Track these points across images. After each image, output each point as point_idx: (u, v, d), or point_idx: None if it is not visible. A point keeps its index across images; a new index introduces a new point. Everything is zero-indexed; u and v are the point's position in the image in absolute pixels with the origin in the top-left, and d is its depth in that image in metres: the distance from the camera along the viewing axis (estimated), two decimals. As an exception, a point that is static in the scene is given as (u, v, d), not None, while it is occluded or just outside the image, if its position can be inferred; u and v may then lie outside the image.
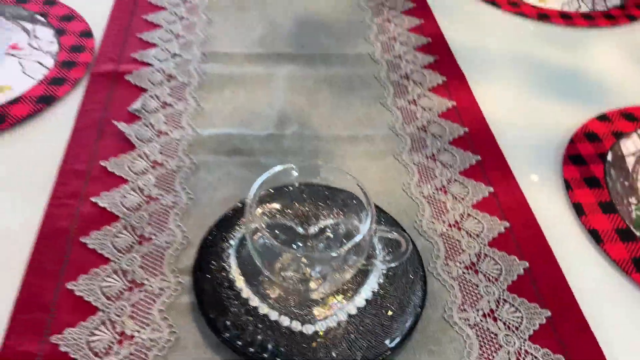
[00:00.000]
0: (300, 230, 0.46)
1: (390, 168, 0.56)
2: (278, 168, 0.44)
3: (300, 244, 0.45)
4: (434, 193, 0.54)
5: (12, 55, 0.64)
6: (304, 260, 0.43)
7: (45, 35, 0.67)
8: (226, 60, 0.68)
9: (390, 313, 0.42)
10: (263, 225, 0.42)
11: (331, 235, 0.46)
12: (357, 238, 0.39)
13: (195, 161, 0.55)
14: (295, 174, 0.45)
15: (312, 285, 0.42)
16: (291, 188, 0.47)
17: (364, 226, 0.40)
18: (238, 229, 0.47)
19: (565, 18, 0.82)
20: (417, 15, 0.79)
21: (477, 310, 0.45)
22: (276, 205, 0.47)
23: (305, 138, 0.59)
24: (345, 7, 0.80)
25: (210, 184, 0.53)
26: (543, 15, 0.82)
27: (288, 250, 0.43)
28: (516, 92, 0.68)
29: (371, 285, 0.44)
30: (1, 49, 0.63)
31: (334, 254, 0.41)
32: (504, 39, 0.77)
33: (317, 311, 0.42)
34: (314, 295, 0.43)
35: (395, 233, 0.43)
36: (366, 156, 0.57)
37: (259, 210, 0.45)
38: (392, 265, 0.44)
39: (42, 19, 0.70)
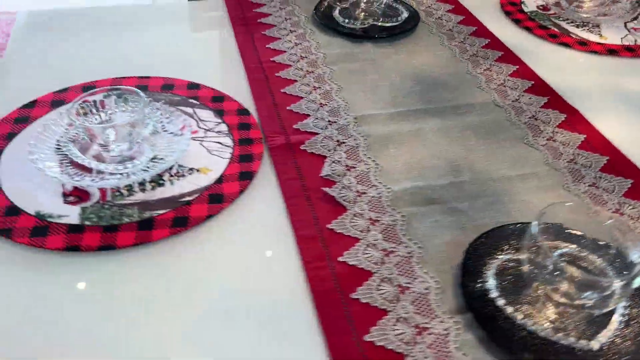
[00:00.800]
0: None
1: (566, 199, 0.64)
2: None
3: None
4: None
5: (193, 139, 0.69)
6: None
7: (209, 117, 0.73)
8: (374, 121, 0.75)
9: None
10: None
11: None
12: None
13: (404, 214, 0.61)
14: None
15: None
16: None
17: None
18: (485, 268, 0.54)
19: (630, 51, 0.94)
20: (509, 62, 0.89)
21: None
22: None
23: (481, 181, 0.66)
24: (446, 61, 0.89)
25: (426, 232, 0.59)
26: (611, 51, 0.94)
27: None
28: (632, 119, 0.78)
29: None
30: (185, 135, 0.68)
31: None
32: (592, 75, 0.88)
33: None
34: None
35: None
36: (540, 191, 0.65)
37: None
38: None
39: (196, 102, 0.76)
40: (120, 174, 0.61)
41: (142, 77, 0.79)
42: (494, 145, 0.72)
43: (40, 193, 0.60)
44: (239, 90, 0.79)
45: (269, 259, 0.56)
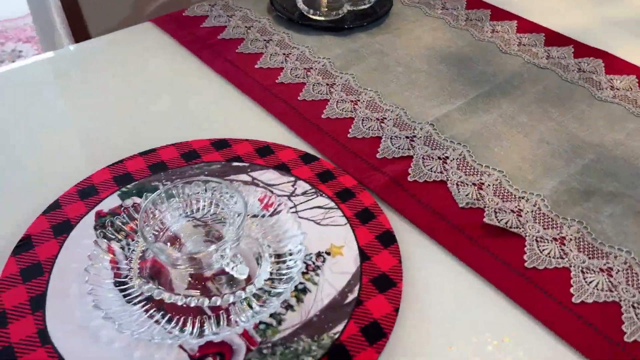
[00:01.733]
0: None
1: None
2: None
3: None
4: None
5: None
6: None
7: (275, 178, 0.56)
8: (450, 122, 0.64)
9: None
10: None
11: None
12: None
13: (579, 219, 0.53)
14: None
15: None
16: None
17: None
18: None
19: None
20: (503, 18, 0.84)
21: None
22: None
23: (605, 154, 0.60)
24: (449, 33, 0.80)
25: (616, 230, 0.52)
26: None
27: None
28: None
29: None
30: (283, 212, 0.51)
31: None
32: (587, 7, 0.87)
33: None
34: None
35: None
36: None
37: None
38: None
39: (243, 163, 0.58)
40: (249, 304, 0.43)
41: (145, 153, 0.58)
42: (576, 112, 0.66)
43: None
44: (269, 131, 0.62)
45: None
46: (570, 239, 0.50)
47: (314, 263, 0.47)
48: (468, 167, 0.58)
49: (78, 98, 0.67)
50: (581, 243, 0.50)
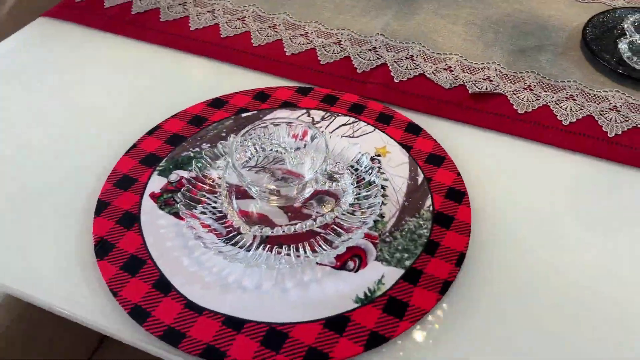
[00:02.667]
0: None
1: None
2: None
3: None
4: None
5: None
6: None
7: (318, 115, 0.60)
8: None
9: None
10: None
11: None
12: None
13: None
14: None
15: None
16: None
17: None
18: None
19: None
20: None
21: None
22: None
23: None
24: None
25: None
26: None
27: None
28: None
29: None
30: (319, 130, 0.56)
31: None
32: None
33: None
34: None
35: None
36: None
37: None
38: None
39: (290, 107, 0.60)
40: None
41: (151, 132, 0.58)
42: (476, -5, 0.79)
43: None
44: (244, 81, 0.65)
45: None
46: (534, 85, 0.63)
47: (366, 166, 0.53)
48: (432, 58, 0.67)
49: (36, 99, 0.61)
50: (542, 85, 0.63)
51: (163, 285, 0.44)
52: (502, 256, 0.47)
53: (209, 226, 0.48)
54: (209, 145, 0.56)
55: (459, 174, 0.53)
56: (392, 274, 0.45)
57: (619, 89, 0.62)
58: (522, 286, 0.45)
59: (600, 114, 0.59)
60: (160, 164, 0.54)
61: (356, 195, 0.49)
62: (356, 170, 0.52)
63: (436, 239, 0.47)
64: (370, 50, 0.68)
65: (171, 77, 0.66)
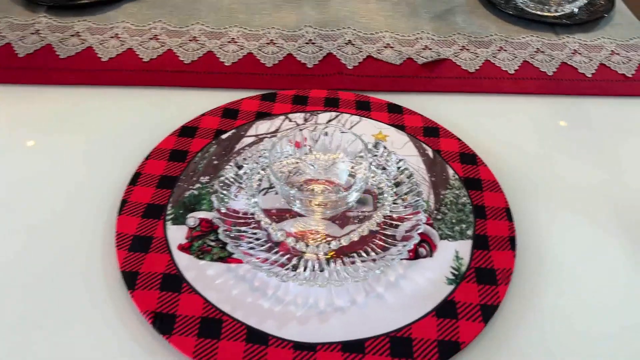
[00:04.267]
0: None
1: None
2: None
3: None
4: None
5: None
6: None
7: (296, 117, 0.57)
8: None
9: None
10: None
11: None
12: None
13: None
14: None
15: None
16: None
17: None
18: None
19: None
20: None
21: None
22: None
23: None
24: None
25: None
26: None
27: None
28: None
29: None
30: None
31: None
32: None
33: None
34: None
35: None
36: None
37: None
38: None
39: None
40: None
41: (133, 183, 0.50)
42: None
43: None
44: (190, 104, 0.60)
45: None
46: (467, 44, 0.68)
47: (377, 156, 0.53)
48: (368, 39, 0.68)
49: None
50: (474, 43, 0.69)
51: (258, 337, 0.39)
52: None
53: (266, 260, 0.43)
54: (208, 177, 0.50)
55: (460, 139, 0.55)
56: (463, 247, 0.46)
57: (532, 34, 0.70)
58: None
59: (532, 58, 0.66)
60: (168, 213, 0.47)
61: (391, 184, 0.49)
62: (373, 158, 0.51)
63: (479, 203, 0.49)
64: (307, 43, 0.67)
65: (107, 118, 0.57)
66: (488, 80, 0.63)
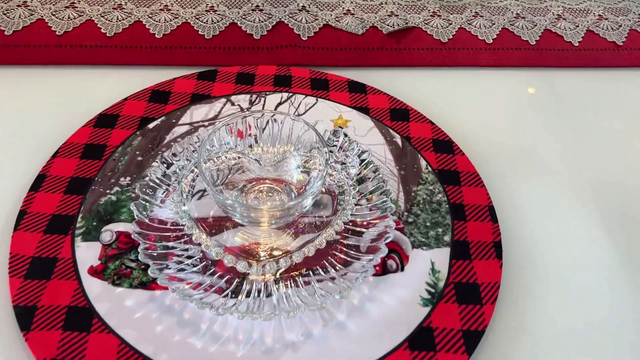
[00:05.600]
0: None
1: None
2: None
3: None
4: None
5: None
6: None
7: (238, 100, 0.48)
8: None
9: None
10: None
11: None
12: None
13: None
14: None
15: None
16: None
17: None
18: None
19: None
20: None
21: None
22: None
23: None
24: None
25: None
26: None
27: None
28: None
29: None
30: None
31: None
32: None
33: None
34: None
35: None
36: None
37: None
38: None
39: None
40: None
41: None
42: None
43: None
44: (116, 86, 0.50)
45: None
46: (438, 10, 0.60)
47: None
48: (325, 5, 0.59)
49: None
50: (446, 8, 0.60)
51: None
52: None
53: (200, 284, 0.35)
54: (129, 179, 0.41)
55: (433, 123, 0.47)
56: (440, 257, 0.38)
57: (510, -2, 0.62)
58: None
59: (512, 25, 0.58)
60: (78, 226, 0.38)
61: (353, 182, 0.40)
62: (331, 152, 0.42)
63: (457, 200, 0.41)
64: (254, 10, 0.57)
65: (6, 105, 0.47)
66: (463, 52, 0.55)
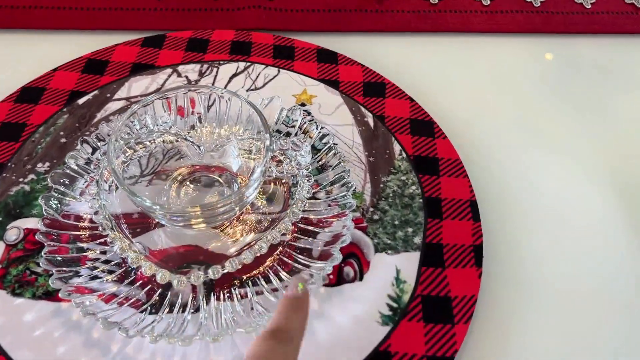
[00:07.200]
0: None
1: None
2: None
3: None
4: None
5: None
6: None
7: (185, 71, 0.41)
8: None
9: None
10: None
11: None
12: None
13: None
14: None
15: None
16: None
17: None
18: None
19: None
20: None
21: None
22: None
23: None
24: None
25: None
26: None
27: None
28: None
29: None
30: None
31: None
32: None
33: None
34: None
35: None
36: None
37: None
38: None
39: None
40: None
41: None
42: None
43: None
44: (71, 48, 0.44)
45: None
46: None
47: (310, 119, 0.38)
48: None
49: None
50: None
51: None
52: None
53: (115, 295, 0.29)
54: (48, 164, 0.35)
55: (412, 99, 0.40)
56: (407, 264, 0.32)
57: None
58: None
59: None
60: (-16, 221, 0.32)
61: (309, 171, 0.34)
62: (287, 135, 0.36)
63: (433, 194, 0.35)
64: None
65: None
66: (454, 15, 0.47)
